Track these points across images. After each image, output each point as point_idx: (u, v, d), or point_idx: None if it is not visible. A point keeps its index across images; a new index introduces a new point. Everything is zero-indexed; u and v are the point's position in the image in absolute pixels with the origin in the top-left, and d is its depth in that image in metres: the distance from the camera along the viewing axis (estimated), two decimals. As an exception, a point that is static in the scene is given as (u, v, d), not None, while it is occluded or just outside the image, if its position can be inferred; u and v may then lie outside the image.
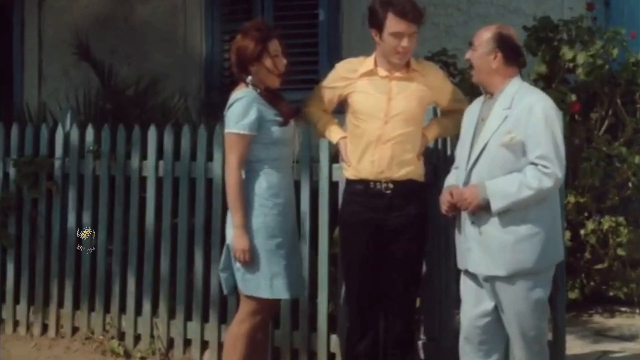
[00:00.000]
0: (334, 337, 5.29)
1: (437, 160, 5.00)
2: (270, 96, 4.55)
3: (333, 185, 5.26)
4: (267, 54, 4.51)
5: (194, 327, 5.64)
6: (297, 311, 5.39)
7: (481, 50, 4.26)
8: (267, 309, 4.58)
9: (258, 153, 4.50)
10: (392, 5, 4.48)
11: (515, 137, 4.12)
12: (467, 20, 7.38)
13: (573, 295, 6.19)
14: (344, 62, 4.78)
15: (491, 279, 4.19)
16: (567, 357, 4.96)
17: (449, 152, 4.97)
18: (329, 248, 5.29)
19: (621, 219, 6.20)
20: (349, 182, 4.68)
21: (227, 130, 4.51)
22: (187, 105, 7.30)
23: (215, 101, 7.12)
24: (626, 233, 6.16)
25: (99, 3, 8.62)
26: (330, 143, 4.96)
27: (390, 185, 4.56)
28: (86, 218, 5.95)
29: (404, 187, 4.57)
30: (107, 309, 5.90)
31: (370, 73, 4.61)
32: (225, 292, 4.70)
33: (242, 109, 4.45)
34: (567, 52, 6.27)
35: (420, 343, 5.06)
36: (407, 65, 4.61)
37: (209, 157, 5.61)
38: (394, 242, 4.57)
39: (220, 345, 5.40)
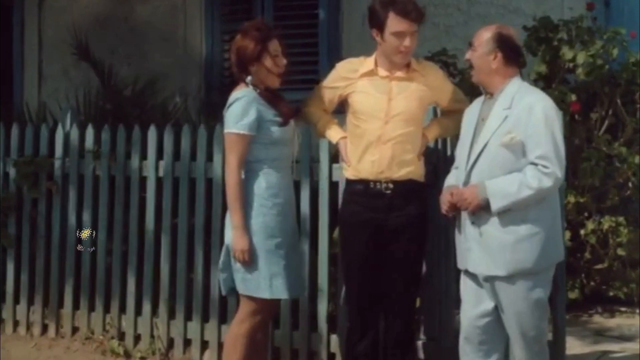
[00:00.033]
0: (334, 337, 5.29)
1: (437, 160, 5.00)
2: (270, 96, 4.55)
3: (333, 185, 5.26)
4: (267, 54, 4.51)
5: (194, 327, 5.64)
6: (297, 311, 5.39)
7: (481, 50, 4.26)
8: (267, 309, 4.57)
9: (257, 153, 4.49)
10: (393, 4, 4.48)
11: (515, 137, 4.12)
12: (467, 20, 7.38)
13: (573, 295, 6.19)
14: (345, 62, 4.78)
15: (491, 279, 4.19)
16: (567, 357, 4.96)
17: (449, 152, 4.97)
18: (329, 248, 5.29)
19: (621, 219, 6.20)
20: (349, 182, 4.68)
21: (226, 130, 4.51)
22: (187, 105, 7.30)
23: (215, 101, 7.12)
24: (626, 233, 6.16)
25: (99, 3, 8.62)
26: (330, 143, 4.96)
27: (391, 185, 4.56)
28: (86, 218, 5.95)
29: (404, 187, 4.56)
30: (107, 309, 5.90)
31: (371, 73, 4.61)
32: (223, 292, 4.69)
33: (241, 109, 4.45)
34: (567, 52, 6.27)
35: (420, 343, 5.06)
36: (408, 65, 4.60)
37: (209, 157, 5.61)
38: (394, 242, 4.57)
39: (220, 345, 5.40)
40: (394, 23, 4.48)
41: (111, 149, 5.92)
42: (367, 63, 4.65)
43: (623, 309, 6.38)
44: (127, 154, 5.88)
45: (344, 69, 4.71)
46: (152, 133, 5.79)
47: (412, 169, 4.59)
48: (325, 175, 5.31)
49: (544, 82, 6.37)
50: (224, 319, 5.52)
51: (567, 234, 5.84)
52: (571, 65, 6.30)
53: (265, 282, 4.44)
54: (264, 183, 4.49)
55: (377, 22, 4.54)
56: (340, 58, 5.50)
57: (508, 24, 4.58)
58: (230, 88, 4.64)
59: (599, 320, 6.24)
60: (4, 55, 8.80)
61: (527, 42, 6.37)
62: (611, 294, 6.36)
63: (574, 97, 6.15)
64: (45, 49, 8.75)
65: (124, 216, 5.86)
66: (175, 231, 5.70)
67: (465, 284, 4.35)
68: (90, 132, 6.00)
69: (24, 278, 6.13)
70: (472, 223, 4.21)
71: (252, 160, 4.49)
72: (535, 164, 4.09)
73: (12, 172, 6.18)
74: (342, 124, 4.78)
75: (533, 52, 6.43)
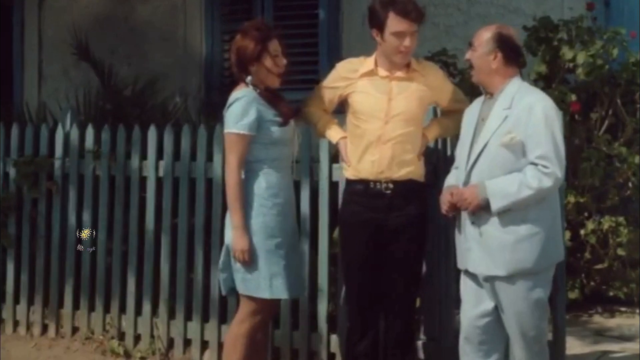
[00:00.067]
0: (334, 337, 5.29)
1: (437, 160, 5.00)
2: (270, 96, 4.54)
3: (333, 185, 5.26)
4: (267, 54, 4.51)
5: (194, 327, 5.64)
6: (297, 311, 5.39)
7: (481, 50, 4.26)
8: (267, 309, 4.57)
9: (257, 153, 4.49)
10: (393, 4, 4.48)
11: (515, 137, 4.12)
12: (467, 20, 7.38)
13: (573, 295, 6.19)
14: (345, 62, 4.78)
15: (491, 279, 4.19)
16: (567, 357, 4.96)
17: (449, 152, 4.97)
18: (329, 248, 5.29)
19: (621, 219, 6.20)
20: (349, 182, 4.68)
21: (226, 130, 4.51)
22: (187, 105, 7.30)
23: (215, 101, 7.12)
24: (626, 233, 6.16)
25: (99, 3, 8.62)
26: (330, 143, 4.96)
27: (391, 185, 4.56)
28: (86, 218, 5.95)
29: (404, 187, 4.56)
30: (107, 309, 5.90)
31: (371, 73, 4.61)
32: (223, 292, 4.69)
33: (241, 109, 4.45)
34: (567, 52, 6.28)
35: (420, 343, 5.06)
36: (408, 65, 4.60)
37: (209, 157, 5.61)
38: (394, 242, 4.57)
39: (220, 345, 5.40)
40: (394, 23, 4.48)
41: (111, 149, 5.92)
42: (367, 63, 4.65)
43: (623, 309, 6.38)
44: (127, 154, 5.88)
45: (344, 69, 4.71)
46: (152, 133, 5.79)
47: (412, 169, 4.59)
48: (325, 175, 5.31)
49: (544, 82, 6.37)
50: (224, 319, 5.52)
51: (567, 234, 5.84)
52: (571, 65, 6.30)
53: (265, 282, 4.44)
54: (264, 183, 4.48)
55: (377, 22, 4.54)
56: (340, 58, 5.50)
57: (508, 24, 4.58)
58: (230, 88, 4.64)
59: (599, 320, 6.24)
60: (4, 55, 8.80)
61: (527, 42, 6.37)
62: (611, 294, 6.36)
63: (574, 97, 6.15)
64: (45, 49, 8.75)
65: (124, 216, 5.86)
66: (175, 231, 5.70)
67: (465, 284, 4.35)
68: (90, 132, 6.00)
69: (24, 278, 6.13)
70: (472, 223, 4.21)
71: (252, 160, 4.49)
72: (535, 164, 4.09)
73: (12, 172, 6.18)
74: (342, 124, 4.78)
75: (533, 52, 6.43)
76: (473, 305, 4.30)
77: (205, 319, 5.61)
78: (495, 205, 4.10)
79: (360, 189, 4.60)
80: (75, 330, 5.99)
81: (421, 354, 5.05)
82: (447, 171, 4.57)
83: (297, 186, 5.04)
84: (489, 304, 4.25)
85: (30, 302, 6.12)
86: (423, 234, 4.67)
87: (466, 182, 4.23)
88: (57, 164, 6.07)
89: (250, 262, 4.42)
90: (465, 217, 4.26)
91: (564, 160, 4.16)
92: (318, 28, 7.88)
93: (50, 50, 8.69)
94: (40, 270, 6.09)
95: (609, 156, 6.28)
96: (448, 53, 6.68)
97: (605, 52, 6.26)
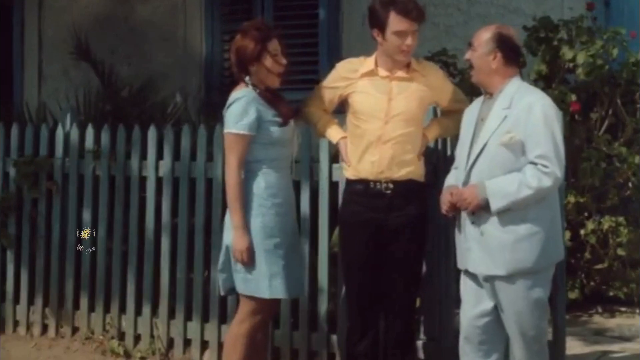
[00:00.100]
0: (334, 337, 5.29)
1: (437, 160, 5.00)
2: (270, 96, 4.54)
3: (333, 185, 5.26)
4: (267, 54, 4.51)
5: (194, 327, 5.64)
6: (297, 311, 5.39)
7: (481, 50, 4.26)
8: (267, 309, 4.57)
9: (257, 153, 4.49)
10: (394, 4, 4.48)
11: (515, 137, 4.12)
12: (467, 20, 7.38)
13: (573, 295, 6.19)
14: (345, 62, 4.78)
15: (491, 279, 4.19)
16: (567, 357, 4.96)
17: (449, 152, 4.97)
18: (329, 248, 5.28)
19: (621, 219, 6.20)
20: (349, 182, 4.68)
21: (226, 130, 4.50)
22: (187, 105, 7.30)
23: (215, 101, 7.12)
24: (626, 233, 6.16)
25: (99, 3, 8.62)
26: (330, 143, 4.95)
27: (391, 185, 4.55)
28: (86, 218, 5.95)
29: (404, 187, 4.56)
30: (107, 309, 5.90)
31: (371, 73, 4.61)
32: (222, 293, 4.70)
33: (241, 109, 4.45)
34: (567, 52, 6.28)
35: (420, 343, 5.06)
36: (408, 65, 4.60)
37: (209, 157, 5.61)
38: (394, 242, 4.57)
39: (220, 345, 5.40)
40: (395, 22, 4.48)
41: (111, 149, 5.92)
42: (367, 63, 4.65)
43: (623, 309, 6.38)
44: (127, 154, 5.88)
45: (344, 69, 4.71)
46: (152, 133, 5.79)
47: (412, 169, 4.59)
48: (325, 175, 5.31)
49: (544, 82, 6.37)
50: (224, 319, 5.52)
51: (567, 234, 5.84)
52: (571, 65, 6.31)
53: (265, 282, 4.44)
54: (263, 183, 4.48)
55: (378, 22, 4.53)
56: (340, 58, 5.50)
57: (508, 24, 4.58)
58: (230, 88, 4.64)
59: (599, 320, 6.24)
60: (4, 55, 8.80)
61: (527, 42, 6.37)
62: (611, 294, 6.36)
63: (574, 97, 6.15)
64: (45, 49, 8.75)
65: (124, 216, 5.86)
66: (175, 231, 5.70)
67: (465, 283, 4.35)
68: (90, 132, 6.00)
69: (24, 278, 6.14)
70: (472, 223, 4.21)
71: (252, 160, 4.49)
72: (535, 164, 4.09)
73: (12, 172, 6.18)
74: (342, 124, 4.77)
75: (533, 52, 6.44)
76: (473, 305, 4.30)
77: (205, 319, 5.61)
78: (494, 205, 4.10)
79: (360, 189, 4.60)
80: (75, 330, 5.99)
81: (421, 354, 5.05)
82: (447, 171, 4.57)
83: (297, 186, 5.04)
84: (488, 304, 4.25)
85: (30, 302, 6.12)
86: (423, 234, 4.67)
87: (466, 182, 4.23)
88: (57, 164, 6.07)
89: (250, 262, 4.42)
90: (465, 217, 4.25)
91: (564, 160, 4.16)
92: (318, 28, 7.89)
93: (50, 50, 8.69)
94: (40, 270, 6.09)
95: (609, 156, 6.28)
96: (448, 53, 6.68)
97: (605, 52, 6.26)
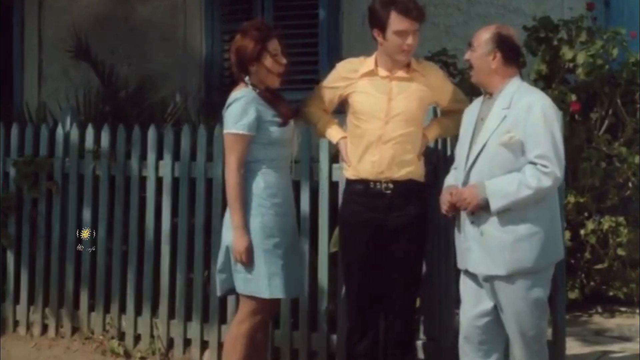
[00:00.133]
0: (334, 337, 5.29)
1: (437, 160, 5.00)
2: (269, 96, 4.54)
3: (333, 185, 5.26)
4: (267, 54, 4.50)
5: (194, 327, 5.64)
6: (297, 311, 5.39)
7: (480, 50, 4.26)
8: (267, 309, 4.57)
9: (256, 153, 4.49)
10: (394, 4, 4.48)
11: (515, 137, 4.12)
12: (467, 20, 7.38)
13: (573, 295, 6.19)
14: (345, 62, 4.78)
15: (490, 279, 4.19)
16: (567, 357, 4.96)
17: (449, 152, 4.97)
18: (329, 248, 5.28)
19: (621, 219, 6.20)
20: (349, 182, 4.68)
21: (225, 130, 4.50)
22: (187, 105, 7.30)
23: (215, 101, 7.11)
24: (626, 233, 6.16)
25: (99, 3, 8.62)
26: (330, 143, 4.95)
27: (391, 185, 4.55)
28: (86, 218, 5.95)
29: (404, 187, 4.56)
30: (107, 309, 5.90)
31: (371, 73, 4.61)
32: (218, 293, 4.69)
33: (240, 109, 4.45)
34: (567, 52, 6.28)
35: (420, 343, 5.06)
36: (408, 65, 4.60)
37: (209, 157, 5.61)
38: (394, 242, 4.57)
39: (220, 345, 5.40)
40: (396, 22, 4.48)
41: (111, 149, 5.92)
42: (367, 63, 4.65)
43: (623, 309, 6.38)
44: (127, 154, 5.88)
45: (344, 69, 4.71)
46: (152, 133, 5.79)
47: (412, 169, 4.59)
48: (325, 175, 5.31)
49: (544, 82, 6.37)
50: (224, 319, 5.52)
51: (567, 234, 5.84)
52: (571, 65, 6.31)
53: (264, 282, 4.44)
54: (262, 183, 4.48)
55: (378, 22, 4.53)
56: (340, 58, 5.50)
57: (508, 24, 4.58)
58: (230, 88, 4.63)
59: (599, 320, 6.24)
60: (4, 55, 8.80)
61: (527, 42, 6.37)
62: (611, 294, 6.36)
63: (574, 97, 6.15)
64: (45, 49, 8.75)
65: (124, 216, 5.86)
66: (175, 231, 5.70)
67: (465, 283, 4.35)
68: (90, 132, 6.00)
69: (24, 278, 6.14)
70: (472, 223, 4.21)
71: (251, 160, 4.49)
72: (535, 164, 4.09)
73: (12, 172, 6.18)
74: (342, 124, 4.77)
75: (533, 52, 6.43)
76: (473, 305, 4.30)
77: (205, 319, 5.61)
78: (494, 205, 4.10)
79: (360, 189, 4.60)
80: (75, 330, 5.99)
81: (421, 354, 5.05)
82: (447, 171, 4.57)
83: (297, 186, 5.05)
84: (488, 304, 4.25)
85: (30, 302, 6.12)
86: (423, 234, 4.67)
87: (465, 182, 4.23)
88: (57, 164, 6.07)
89: (249, 262, 4.42)
90: (464, 217, 4.26)
91: (563, 160, 4.16)
92: (318, 28, 7.88)
93: (50, 50, 8.69)
94: (40, 270, 6.09)
95: (609, 156, 6.28)
96: (448, 53, 6.68)
97: (605, 52, 6.26)
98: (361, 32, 6.89)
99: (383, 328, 4.72)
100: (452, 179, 4.39)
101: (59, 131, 6.10)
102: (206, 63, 8.23)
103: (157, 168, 5.79)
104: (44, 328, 6.08)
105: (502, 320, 4.24)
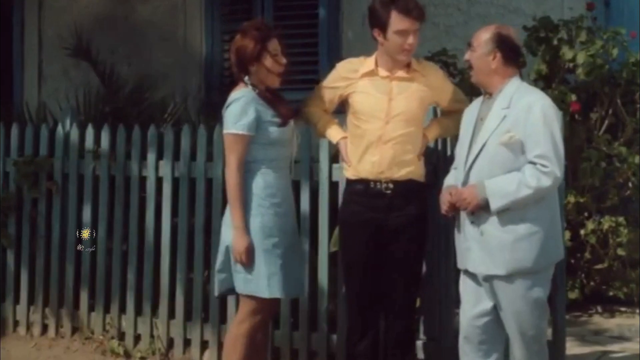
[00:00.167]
0: (334, 337, 5.29)
1: (437, 160, 5.00)
2: (269, 96, 4.54)
3: (333, 185, 5.26)
4: (267, 54, 4.50)
5: (193, 327, 5.64)
6: (297, 311, 5.39)
7: (480, 50, 4.26)
8: (267, 309, 4.57)
9: (255, 153, 4.49)
10: (394, 3, 4.48)
11: (514, 136, 4.12)
12: (467, 20, 7.38)
13: (573, 295, 6.19)
14: (345, 62, 4.78)
15: (490, 279, 4.19)
16: (567, 357, 4.96)
17: (449, 152, 4.97)
18: (329, 248, 5.28)
19: (621, 219, 6.20)
20: (349, 182, 4.68)
21: (225, 130, 4.50)
22: (187, 105, 7.30)
23: (215, 101, 7.11)
24: (626, 233, 6.16)
25: (99, 3, 8.62)
26: (330, 143, 4.95)
27: (391, 185, 4.55)
28: (86, 218, 5.95)
29: (404, 187, 4.56)
30: (107, 309, 5.90)
31: (371, 73, 4.61)
32: (216, 293, 4.69)
33: (240, 109, 4.45)
34: (567, 52, 6.28)
35: (420, 343, 5.06)
36: (408, 65, 4.60)
37: (209, 157, 5.61)
38: (394, 242, 4.57)
39: (220, 345, 5.39)
40: (396, 21, 4.48)
41: (111, 149, 5.92)
42: (367, 63, 4.65)
43: (623, 309, 6.38)
44: (127, 154, 5.88)
45: (344, 69, 4.71)
46: (152, 133, 5.79)
47: (412, 169, 4.59)
48: (325, 175, 5.31)
49: (544, 82, 6.37)
50: (223, 319, 5.52)
51: (567, 234, 5.84)
52: (571, 65, 6.31)
53: (264, 282, 4.43)
54: (262, 183, 4.48)
55: (378, 22, 4.53)
56: (340, 58, 5.50)
57: (508, 24, 4.59)
58: (230, 88, 4.64)
59: (599, 320, 6.24)
60: (4, 55, 8.79)
61: (527, 42, 6.37)
62: (611, 294, 6.36)
63: (574, 97, 6.15)
64: (45, 49, 8.75)
65: (124, 216, 5.86)
66: (175, 231, 5.70)
67: (465, 283, 4.35)
68: (90, 132, 6.00)
69: (24, 278, 6.13)
70: (472, 223, 4.21)
71: (250, 160, 4.49)
72: (534, 163, 4.09)
73: (12, 172, 6.18)
74: (342, 124, 4.77)
75: (533, 52, 6.43)
76: (472, 305, 4.30)
77: (205, 319, 5.61)
78: (494, 205, 4.10)
79: (360, 189, 4.60)
80: (75, 330, 5.98)
81: (421, 354, 5.05)
82: (447, 171, 4.57)
83: (297, 186, 5.05)
84: (487, 304, 4.25)
85: (30, 302, 6.12)
86: (423, 234, 4.67)
87: (465, 182, 4.23)
88: (57, 164, 6.07)
89: (249, 262, 4.42)
90: (464, 216, 4.26)
91: (563, 160, 4.16)
92: (318, 28, 7.88)
93: (50, 50, 8.68)
94: (40, 270, 6.09)
95: (609, 156, 6.28)
96: (448, 53, 6.68)
97: (605, 52, 6.27)
98: (361, 32, 6.89)
99: (383, 328, 4.72)
100: (452, 179, 4.39)
101: (59, 131, 6.10)
102: (206, 63, 8.22)
103: (157, 168, 5.79)
104: (44, 328, 6.08)
105: (502, 320, 4.24)
